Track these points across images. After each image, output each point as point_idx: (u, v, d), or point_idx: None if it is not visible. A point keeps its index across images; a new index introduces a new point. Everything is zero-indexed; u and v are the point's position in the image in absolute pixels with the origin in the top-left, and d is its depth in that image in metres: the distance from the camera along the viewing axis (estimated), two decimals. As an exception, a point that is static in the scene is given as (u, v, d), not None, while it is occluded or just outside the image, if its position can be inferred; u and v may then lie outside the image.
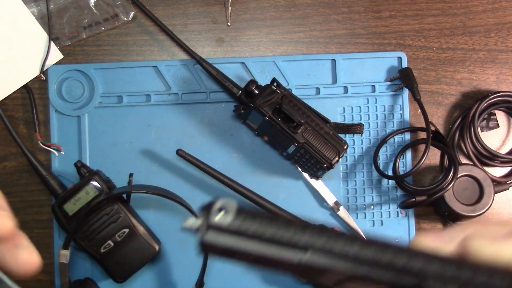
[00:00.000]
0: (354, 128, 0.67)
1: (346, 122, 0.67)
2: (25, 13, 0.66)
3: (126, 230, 0.61)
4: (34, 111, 0.65)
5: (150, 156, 0.66)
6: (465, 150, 0.67)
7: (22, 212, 0.65)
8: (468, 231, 0.24)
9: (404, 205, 0.65)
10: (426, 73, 0.69)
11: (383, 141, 0.66)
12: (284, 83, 0.66)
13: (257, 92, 0.61)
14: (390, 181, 0.67)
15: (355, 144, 0.67)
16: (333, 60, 0.68)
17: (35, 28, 0.66)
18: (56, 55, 0.67)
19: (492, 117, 0.69)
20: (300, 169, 0.66)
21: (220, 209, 0.22)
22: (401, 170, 0.66)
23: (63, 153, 0.65)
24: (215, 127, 0.66)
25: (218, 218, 0.22)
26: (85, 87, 0.66)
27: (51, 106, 0.65)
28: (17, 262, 0.25)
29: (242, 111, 0.61)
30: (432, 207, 0.67)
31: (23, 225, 0.71)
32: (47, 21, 0.66)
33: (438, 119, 0.69)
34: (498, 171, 0.68)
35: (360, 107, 0.67)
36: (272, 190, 0.66)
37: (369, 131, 0.67)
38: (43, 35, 0.66)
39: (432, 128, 0.64)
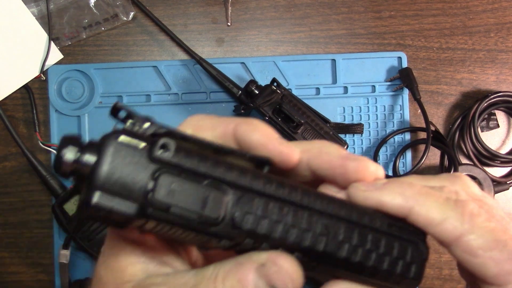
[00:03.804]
0: (354, 128, 0.67)
1: (346, 122, 0.67)
2: (25, 13, 0.66)
3: (126, 230, 0.61)
4: (34, 111, 0.65)
5: (150, 156, 0.66)
6: (465, 150, 0.67)
7: (22, 212, 0.65)
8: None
9: (404, 205, 0.65)
10: (426, 73, 0.69)
11: (383, 141, 0.66)
12: (284, 83, 0.66)
13: (257, 92, 0.61)
14: (390, 181, 0.67)
15: (355, 144, 0.67)
16: (333, 60, 0.68)
17: (35, 28, 0.66)
18: (56, 55, 0.67)
19: (492, 117, 0.69)
20: (300, 169, 0.66)
21: (161, 146, 0.22)
22: (401, 170, 0.66)
23: (63, 153, 0.65)
24: (215, 127, 0.66)
25: (160, 153, 0.22)
26: (85, 87, 0.66)
27: (51, 106, 0.65)
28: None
29: (242, 111, 0.61)
30: (432, 207, 0.67)
31: (23, 225, 0.71)
32: (47, 21, 0.66)
33: (438, 119, 0.69)
34: (498, 171, 0.68)
35: (360, 107, 0.67)
36: (272, 190, 0.65)
37: (369, 131, 0.67)
38: (43, 35, 0.66)
39: (432, 128, 0.64)
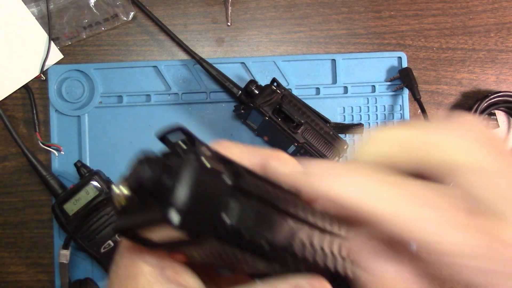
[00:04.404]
0: (354, 128, 0.67)
1: (346, 122, 0.67)
2: (25, 13, 0.66)
3: (126, 230, 0.61)
4: (34, 111, 0.65)
5: (150, 156, 0.65)
6: (465, 150, 0.67)
7: (22, 212, 0.65)
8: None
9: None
10: (426, 73, 0.69)
11: (383, 141, 0.66)
12: (284, 83, 0.66)
13: (257, 92, 0.61)
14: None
15: (355, 144, 0.67)
16: (333, 60, 0.68)
17: (35, 28, 0.66)
18: (56, 55, 0.67)
19: (492, 117, 0.69)
20: (300, 169, 0.66)
21: (235, 173, 0.23)
22: (401, 170, 0.66)
23: (63, 153, 0.65)
24: (215, 127, 0.66)
25: (235, 179, 0.23)
26: (85, 87, 0.66)
27: (51, 106, 0.65)
28: None
29: (242, 111, 0.61)
30: (432, 207, 0.67)
31: (23, 225, 0.71)
32: (47, 21, 0.66)
33: (438, 119, 0.69)
34: (498, 171, 0.68)
35: (360, 107, 0.67)
36: (272, 190, 0.65)
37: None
38: (43, 35, 0.66)
39: (432, 128, 0.64)
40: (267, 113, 0.59)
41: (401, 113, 0.67)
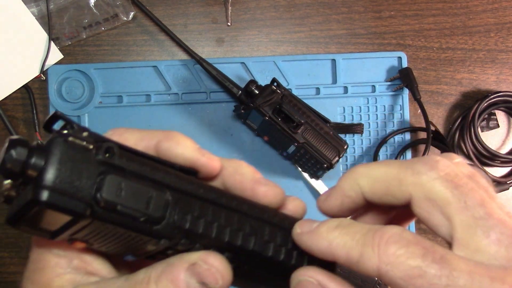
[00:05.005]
0: (354, 128, 0.67)
1: (346, 122, 0.67)
2: (25, 13, 0.66)
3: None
4: (34, 111, 0.65)
5: (150, 156, 0.66)
6: (465, 150, 0.67)
7: (22, 212, 0.65)
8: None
9: (404, 205, 0.65)
10: (426, 73, 0.69)
11: (383, 141, 0.66)
12: (284, 83, 0.66)
13: (257, 92, 0.61)
14: (390, 181, 0.67)
15: (355, 144, 0.67)
16: (333, 60, 0.68)
17: (35, 28, 0.66)
18: (56, 55, 0.67)
19: (492, 117, 0.69)
20: (300, 169, 0.66)
21: (106, 149, 0.23)
22: (401, 170, 0.66)
23: (63, 153, 0.65)
24: (215, 127, 0.66)
25: (106, 155, 0.23)
26: (85, 87, 0.66)
27: (51, 106, 0.65)
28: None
29: (242, 111, 0.61)
30: (432, 207, 0.67)
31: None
32: (47, 21, 0.66)
33: (438, 119, 0.69)
34: (498, 171, 0.68)
35: (360, 107, 0.67)
36: (272, 190, 0.65)
37: (369, 131, 0.67)
38: (43, 35, 0.66)
39: (432, 128, 0.64)
40: (267, 113, 0.59)
41: (401, 113, 0.67)
